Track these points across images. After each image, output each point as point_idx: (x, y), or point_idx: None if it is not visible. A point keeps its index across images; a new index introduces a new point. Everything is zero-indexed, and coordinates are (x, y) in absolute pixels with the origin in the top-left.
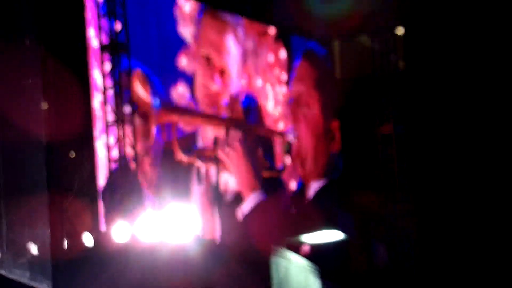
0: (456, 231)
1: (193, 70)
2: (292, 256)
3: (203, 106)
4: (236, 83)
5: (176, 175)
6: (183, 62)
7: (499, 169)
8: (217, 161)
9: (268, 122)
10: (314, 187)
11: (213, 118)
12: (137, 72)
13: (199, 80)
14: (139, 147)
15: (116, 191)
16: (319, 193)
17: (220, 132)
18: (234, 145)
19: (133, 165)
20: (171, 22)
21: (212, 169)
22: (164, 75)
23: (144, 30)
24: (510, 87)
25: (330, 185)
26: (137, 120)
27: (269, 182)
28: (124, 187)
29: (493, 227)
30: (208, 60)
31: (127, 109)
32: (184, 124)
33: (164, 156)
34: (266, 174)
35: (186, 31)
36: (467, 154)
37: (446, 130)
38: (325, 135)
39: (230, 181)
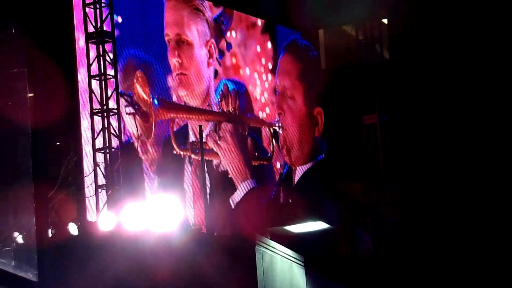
0: (440, 219)
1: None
2: (277, 245)
3: (178, 85)
4: (199, 50)
5: (174, 164)
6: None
7: (481, 158)
8: (210, 152)
9: (256, 107)
10: (299, 172)
11: (206, 113)
12: (137, 75)
13: (170, 64)
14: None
15: (101, 180)
16: (305, 176)
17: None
18: (225, 137)
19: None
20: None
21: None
22: (162, 63)
23: (145, 22)
24: (493, 77)
25: (315, 167)
26: (138, 119)
27: (258, 169)
28: (111, 176)
29: (477, 213)
30: (169, 40)
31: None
32: (181, 119)
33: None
34: (255, 162)
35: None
36: (451, 142)
37: (430, 119)
38: (309, 123)
39: (223, 169)
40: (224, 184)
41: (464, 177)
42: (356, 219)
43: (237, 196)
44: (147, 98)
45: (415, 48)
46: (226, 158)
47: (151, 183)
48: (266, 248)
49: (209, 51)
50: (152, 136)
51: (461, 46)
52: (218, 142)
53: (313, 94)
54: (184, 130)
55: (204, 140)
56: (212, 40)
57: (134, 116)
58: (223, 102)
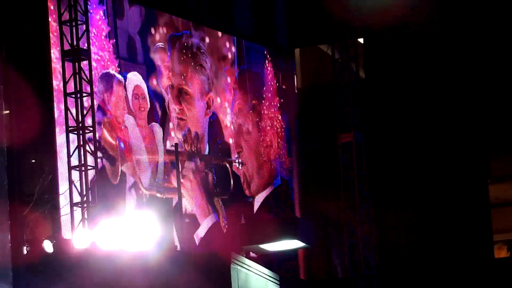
0: (415, 238)
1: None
2: (252, 264)
3: (175, 129)
4: (198, 102)
5: None
6: (154, 82)
7: (458, 176)
8: (173, 191)
9: (226, 134)
10: (258, 200)
11: (170, 152)
12: (104, 120)
13: (171, 107)
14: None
15: (76, 198)
16: (265, 203)
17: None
18: (188, 176)
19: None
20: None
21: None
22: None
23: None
24: (469, 95)
25: (274, 193)
26: (106, 164)
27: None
28: (86, 193)
29: (453, 232)
30: (172, 86)
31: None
32: (147, 159)
33: None
34: (216, 198)
35: (156, 56)
36: (426, 162)
37: (405, 138)
38: (264, 150)
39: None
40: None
41: (439, 197)
42: (331, 238)
43: (201, 231)
44: (114, 143)
45: (390, 68)
46: (189, 196)
47: (131, 200)
48: (241, 266)
49: (207, 102)
50: (119, 177)
51: (437, 66)
52: (182, 180)
53: (265, 121)
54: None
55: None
56: (211, 94)
57: (102, 160)
58: (186, 143)
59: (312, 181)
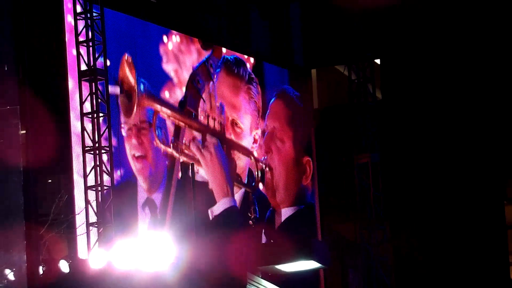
0: (431, 259)
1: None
2: (268, 284)
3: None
4: (248, 137)
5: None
6: (166, 95)
7: (474, 197)
8: (193, 158)
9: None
10: (284, 214)
11: (192, 120)
12: (125, 57)
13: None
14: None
15: (93, 218)
16: (289, 221)
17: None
18: (209, 149)
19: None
20: (156, 58)
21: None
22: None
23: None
24: (486, 117)
25: (299, 213)
26: (121, 97)
27: (242, 196)
28: (101, 214)
29: (469, 253)
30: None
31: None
32: (163, 115)
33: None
34: (238, 186)
35: (169, 67)
36: (442, 183)
37: (422, 159)
38: (296, 168)
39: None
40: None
41: (455, 217)
42: (348, 259)
43: (217, 209)
44: (132, 81)
45: (407, 88)
46: (208, 168)
47: (144, 220)
48: (257, 286)
49: (254, 137)
50: (133, 116)
51: (453, 87)
52: (202, 150)
53: (302, 142)
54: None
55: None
56: (259, 130)
57: (117, 98)
58: (210, 118)
59: (329, 201)
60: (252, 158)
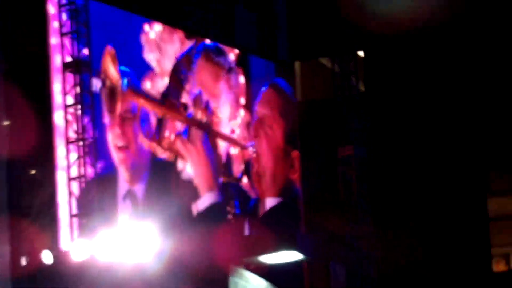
0: (414, 252)
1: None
2: (250, 276)
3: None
4: (225, 127)
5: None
6: (148, 85)
7: (457, 190)
8: (177, 152)
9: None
10: (268, 203)
11: (177, 112)
12: (108, 49)
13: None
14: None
15: (76, 210)
16: (273, 211)
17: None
18: (195, 142)
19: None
20: (137, 48)
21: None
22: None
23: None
24: (470, 109)
25: (284, 205)
26: (104, 93)
27: (227, 187)
28: (84, 205)
29: (452, 246)
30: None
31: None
32: (148, 109)
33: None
34: (224, 179)
35: (151, 56)
36: (426, 175)
37: (406, 152)
38: (284, 159)
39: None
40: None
41: (439, 210)
42: (331, 251)
43: (201, 204)
44: (115, 76)
45: (391, 81)
46: (193, 161)
47: (124, 211)
48: (240, 278)
49: (231, 128)
50: (117, 112)
51: (438, 79)
52: (187, 145)
53: (291, 134)
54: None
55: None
56: (238, 120)
57: (100, 91)
58: (196, 108)
59: (313, 194)
60: (239, 147)
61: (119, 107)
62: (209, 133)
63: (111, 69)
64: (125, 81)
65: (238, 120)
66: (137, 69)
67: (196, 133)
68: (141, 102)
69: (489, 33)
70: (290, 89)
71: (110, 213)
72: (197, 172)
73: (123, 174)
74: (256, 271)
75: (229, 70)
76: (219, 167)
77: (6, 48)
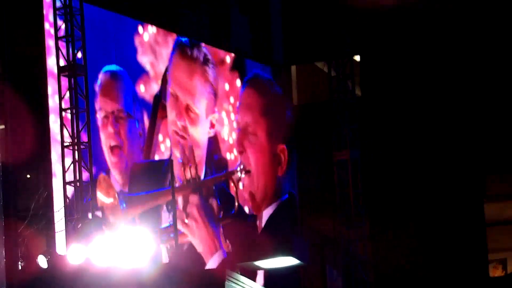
0: (410, 256)
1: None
2: (246, 281)
3: (173, 145)
4: (204, 122)
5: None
6: (142, 89)
7: (454, 195)
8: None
9: (224, 148)
10: (265, 215)
11: (168, 192)
12: (99, 178)
13: (169, 117)
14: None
15: (71, 214)
16: (271, 220)
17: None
18: (193, 214)
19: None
20: (131, 50)
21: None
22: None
23: (106, 57)
24: (466, 114)
25: (280, 209)
26: (106, 219)
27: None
28: (79, 209)
29: (449, 251)
30: (176, 97)
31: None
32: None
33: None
34: (222, 223)
35: (145, 59)
36: (422, 180)
37: (401, 156)
38: (272, 161)
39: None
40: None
41: (435, 215)
42: (327, 256)
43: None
44: (113, 201)
45: (387, 85)
46: (195, 237)
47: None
48: (236, 283)
49: (211, 122)
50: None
51: (433, 84)
52: (186, 221)
53: (276, 130)
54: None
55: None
56: (216, 114)
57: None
58: (185, 171)
59: (308, 198)
60: (227, 178)
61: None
62: (202, 186)
63: (107, 199)
64: (122, 202)
65: (216, 115)
66: (130, 72)
67: (192, 200)
68: (140, 210)
69: (486, 38)
70: (269, 79)
71: (106, 217)
72: (199, 243)
73: (116, 177)
74: (251, 275)
75: (205, 61)
76: (217, 220)
77: (2, 51)
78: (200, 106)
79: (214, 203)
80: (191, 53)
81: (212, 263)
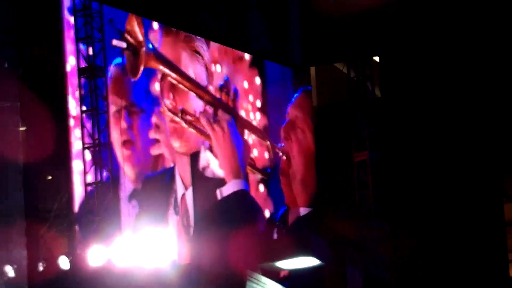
0: (429, 256)
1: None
2: (268, 281)
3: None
4: (192, 97)
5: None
6: (157, 87)
7: (473, 195)
8: (202, 132)
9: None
10: (298, 213)
11: (203, 91)
12: (135, 16)
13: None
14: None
15: (92, 215)
16: (302, 220)
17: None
18: (222, 124)
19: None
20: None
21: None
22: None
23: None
24: (486, 115)
25: (312, 213)
26: (127, 54)
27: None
28: (100, 210)
29: (468, 250)
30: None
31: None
32: (171, 79)
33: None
34: (251, 171)
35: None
36: (441, 180)
37: (421, 157)
38: (316, 166)
39: (214, 165)
40: (211, 215)
41: (454, 215)
42: (346, 256)
43: (226, 190)
44: (140, 37)
45: (406, 86)
46: (219, 144)
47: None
48: (257, 284)
49: (224, 82)
50: (138, 76)
51: (452, 84)
52: (213, 125)
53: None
54: (169, 173)
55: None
56: (210, 87)
57: (122, 52)
58: (223, 92)
59: (329, 199)
60: (268, 142)
61: (141, 70)
62: (236, 119)
63: (137, 31)
64: (150, 44)
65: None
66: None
67: (223, 115)
68: (165, 71)
69: (506, 38)
70: None
71: (122, 217)
72: (222, 155)
73: (128, 173)
74: (272, 276)
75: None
76: (246, 155)
77: (22, 53)
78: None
79: (247, 144)
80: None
81: (230, 186)
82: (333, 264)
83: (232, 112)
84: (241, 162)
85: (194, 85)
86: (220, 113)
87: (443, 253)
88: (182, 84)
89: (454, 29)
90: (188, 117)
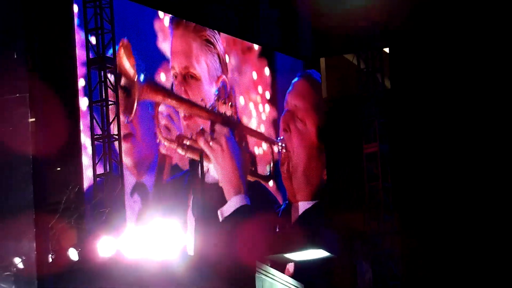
0: (439, 249)
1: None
2: (277, 273)
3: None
4: (207, 89)
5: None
6: (162, 77)
7: (484, 189)
8: (200, 152)
9: (251, 142)
10: (301, 207)
11: (199, 108)
12: (123, 42)
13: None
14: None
15: (101, 206)
16: (306, 214)
17: (206, 124)
18: (219, 140)
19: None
20: (151, 37)
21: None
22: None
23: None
24: (498, 105)
25: (317, 206)
26: (120, 93)
27: (254, 187)
28: (109, 202)
29: (478, 244)
30: (181, 74)
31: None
32: (168, 107)
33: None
34: (252, 178)
35: (165, 46)
36: (452, 173)
37: (431, 149)
38: (318, 158)
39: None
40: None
41: (465, 208)
42: (356, 248)
43: (227, 210)
44: (131, 71)
45: (416, 77)
46: (218, 163)
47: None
48: (266, 275)
49: (219, 88)
50: (133, 114)
51: (464, 75)
52: (211, 143)
53: (325, 131)
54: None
55: (193, 138)
56: (224, 77)
57: (116, 87)
58: (220, 102)
59: (338, 191)
60: (268, 143)
61: (135, 107)
62: (235, 128)
63: (126, 65)
64: (142, 76)
65: (220, 84)
66: (152, 61)
67: (220, 130)
68: (160, 99)
69: None
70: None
71: (137, 210)
72: (222, 173)
73: (128, 166)
74: (281, 268)
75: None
76: (246, 166)
77: (32, 45)
78: (201, 67)
79: (246, 152)
80: (186, 22)
81: (232, 204)
82: (342, 256)
83: (231, 122)
84: (241, 176)
85: (190, 105)
86: (218, 127)
87: (452, 246)
88: (178, 108)
89: (465, 20)
90: (185, 142)
